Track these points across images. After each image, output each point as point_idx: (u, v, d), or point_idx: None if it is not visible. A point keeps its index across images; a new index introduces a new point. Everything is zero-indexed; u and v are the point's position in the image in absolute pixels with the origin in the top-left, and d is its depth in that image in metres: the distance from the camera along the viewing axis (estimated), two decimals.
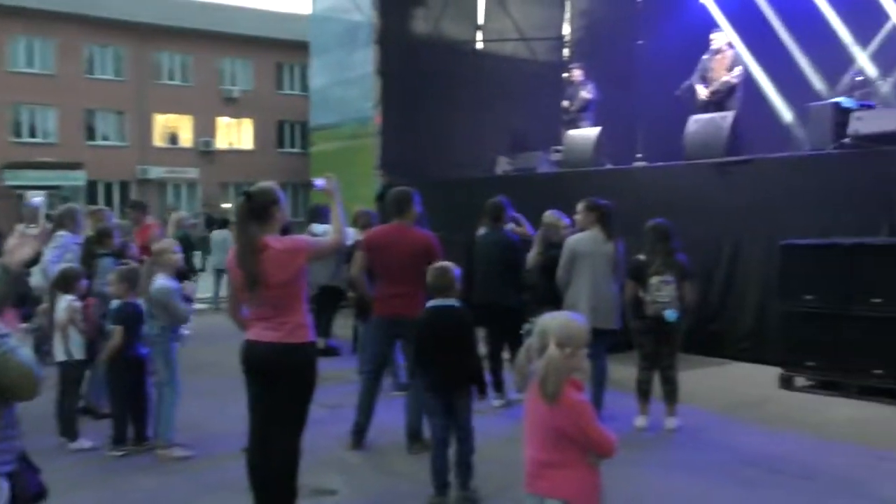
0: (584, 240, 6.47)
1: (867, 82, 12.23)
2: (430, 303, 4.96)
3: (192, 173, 35.20)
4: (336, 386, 6.27)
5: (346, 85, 16.02)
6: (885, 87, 12.66)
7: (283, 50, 35.52)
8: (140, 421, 5.98)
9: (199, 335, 8.37)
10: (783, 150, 11.78)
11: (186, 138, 35.60)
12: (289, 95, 36.97)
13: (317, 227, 9.22)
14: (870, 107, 9.71)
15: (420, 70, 14.69)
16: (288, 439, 4.24)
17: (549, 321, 3.07)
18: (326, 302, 9.55)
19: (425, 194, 11.25)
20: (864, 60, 13.64)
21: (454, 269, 4.99)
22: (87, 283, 6.32)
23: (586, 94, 13.16)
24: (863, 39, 13.68)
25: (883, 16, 13.42)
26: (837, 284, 7.30)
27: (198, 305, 7.40)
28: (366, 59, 15.02)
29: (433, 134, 14.47)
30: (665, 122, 12.62)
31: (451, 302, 4.91)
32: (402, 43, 14.98)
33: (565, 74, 15.04)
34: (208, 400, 7.06)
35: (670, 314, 6.14)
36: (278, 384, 4.19)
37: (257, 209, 4.23)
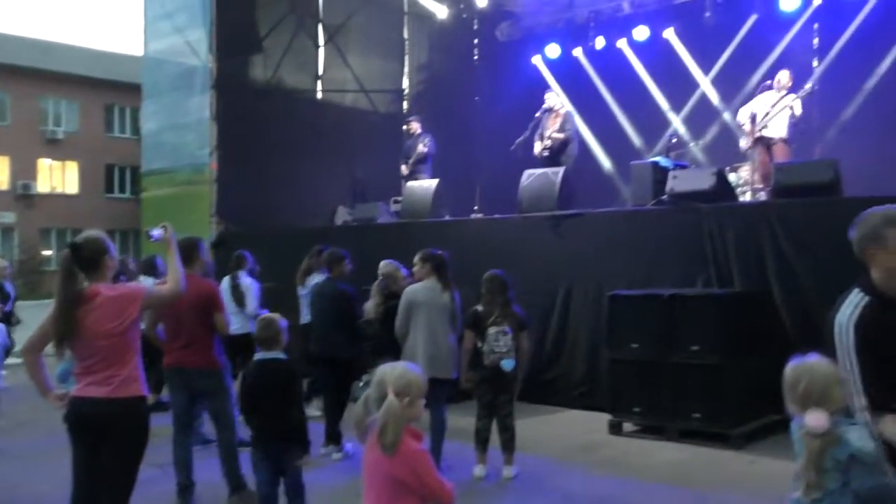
0: (420, 290, 6.55)
1: (681, 144, 13.29)
2: (257, 356, 4.93)
3: (8, 218, 32.94)
4: (168, 444, 6.01)
5: (181, 130, 15.55)
6: (696, 148, 13.80)
7: (114, 91, 34.16)
8: None
9: (17, 390, 7.81)
10: (609, 204, 12.54)
11: (2, 180, 33.32)
12: (119, 138, 35.48)
13: (146, 280, 8.85)
14: (684, 167, 10.55)
15: (259, 117, 14.53)
16: (115, 502, 4.01)
17: (387, 371, 3.10)
18: (158, 354, 9.13)
19: (263, 243, 11.21)
20: (678, 123, 15.00)
21: (280, 320, 4.97)
22: None
23: (423, 147, 13.44)
24: (676, 105, 15.18)
25: (693, 85, 14.89)
26: (659, 333, 7.68)
27: (18, 360, 6.92)
28: (202, 105, 14.67)
29: (272, 182, 14.30)
30: (501, 176, 13.12)
31: (277, 354, 4.88)
32: (241, 89, 14.78)
33: (404, 127, 15.34)
34: (27, 461, 6.56)
35: (507, 364, 6.30)
36: (106, 443, 3.96)
37: (85, 260, 4.05)
